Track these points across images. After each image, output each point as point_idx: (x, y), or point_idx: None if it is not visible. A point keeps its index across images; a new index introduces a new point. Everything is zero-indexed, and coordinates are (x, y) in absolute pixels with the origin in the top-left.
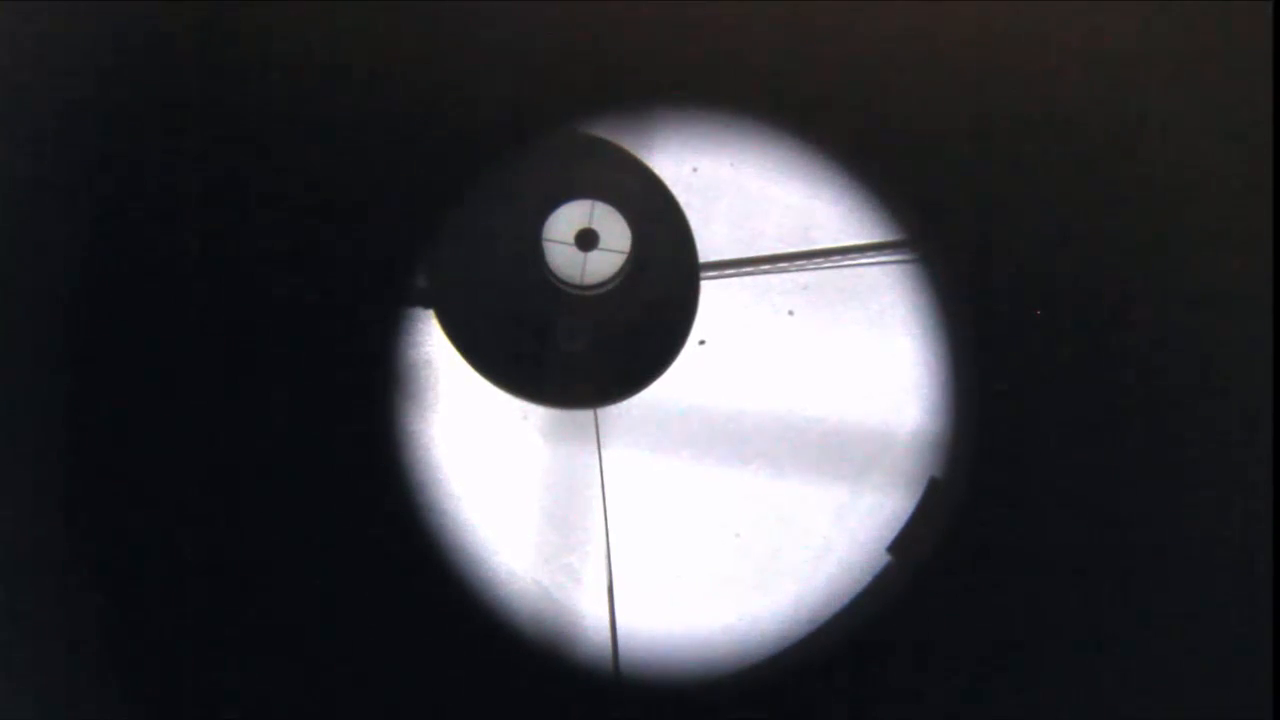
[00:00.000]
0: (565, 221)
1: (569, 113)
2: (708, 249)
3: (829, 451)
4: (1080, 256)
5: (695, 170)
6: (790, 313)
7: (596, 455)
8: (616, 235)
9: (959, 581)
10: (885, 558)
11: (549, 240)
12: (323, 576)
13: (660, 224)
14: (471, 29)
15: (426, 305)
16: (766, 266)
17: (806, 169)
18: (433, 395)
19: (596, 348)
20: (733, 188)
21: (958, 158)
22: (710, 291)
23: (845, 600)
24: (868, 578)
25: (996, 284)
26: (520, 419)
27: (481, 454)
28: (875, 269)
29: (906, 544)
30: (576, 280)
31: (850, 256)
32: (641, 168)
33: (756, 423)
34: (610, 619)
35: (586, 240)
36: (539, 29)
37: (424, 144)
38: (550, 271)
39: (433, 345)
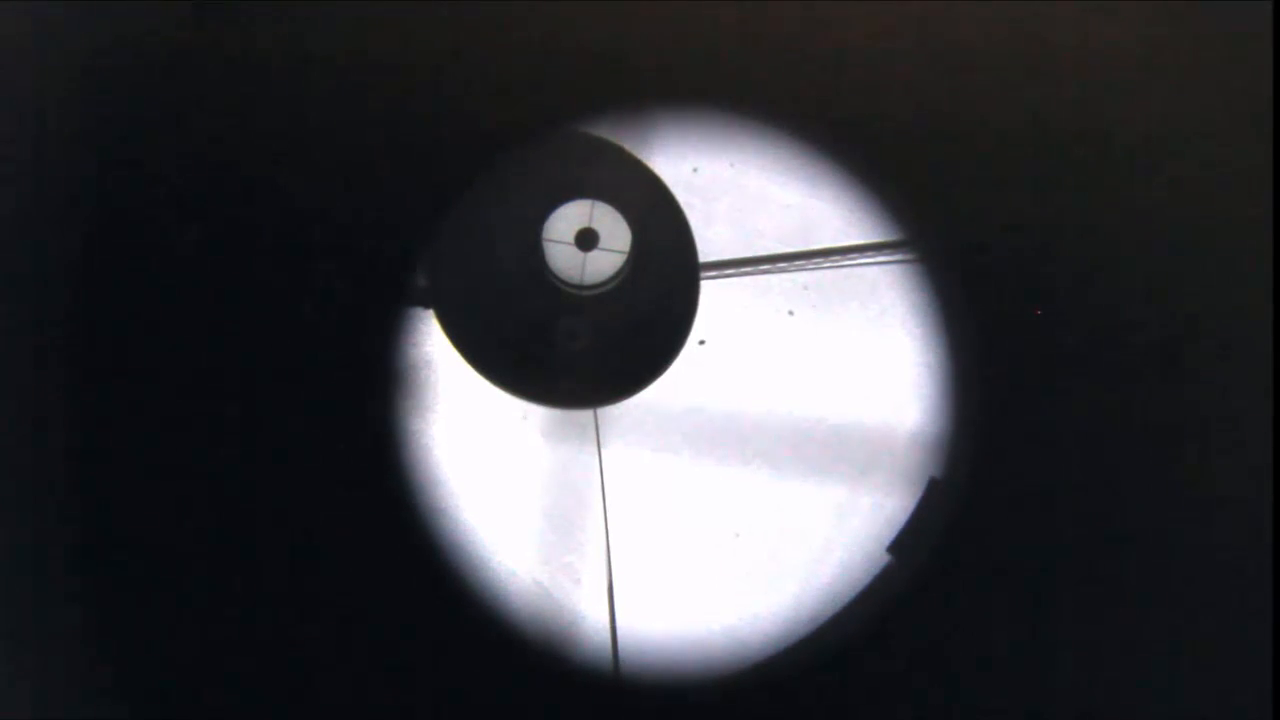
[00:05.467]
0: (565, 221)
1: (569, 113)
2: (708, 249)
3: (829, 451)
4: (1080, 256)
5: (695, 170)
6: (790, 313)
7: (596, 455)
8: (616, 235)
9: (959, 581)
10: (885, 558)
11: (549, 240)
12: (322, 576)
13: (660, 224)
14: (471, 29)
15: (426, 305)
16: (766, 266)
17: (806, 169)
18: (433, 395)
19: (596, 348)
20: (733, 188)
21: (958, 158)
22: (710, 291)
23: (845, 600)
24: (868, 578)
25: (996, 284)
26: (520, 419)
27: (481, 454)
28: (875, 269)
29: (906, 544)
30: (576, 280)
31: (850, 256)
32: (641, 168)
33: (756, 423)
34: (610, 619)
35: (586, 240)
36: (539, 29)
37: (424, 144)
38: (550, 271)
39: (433, 345)
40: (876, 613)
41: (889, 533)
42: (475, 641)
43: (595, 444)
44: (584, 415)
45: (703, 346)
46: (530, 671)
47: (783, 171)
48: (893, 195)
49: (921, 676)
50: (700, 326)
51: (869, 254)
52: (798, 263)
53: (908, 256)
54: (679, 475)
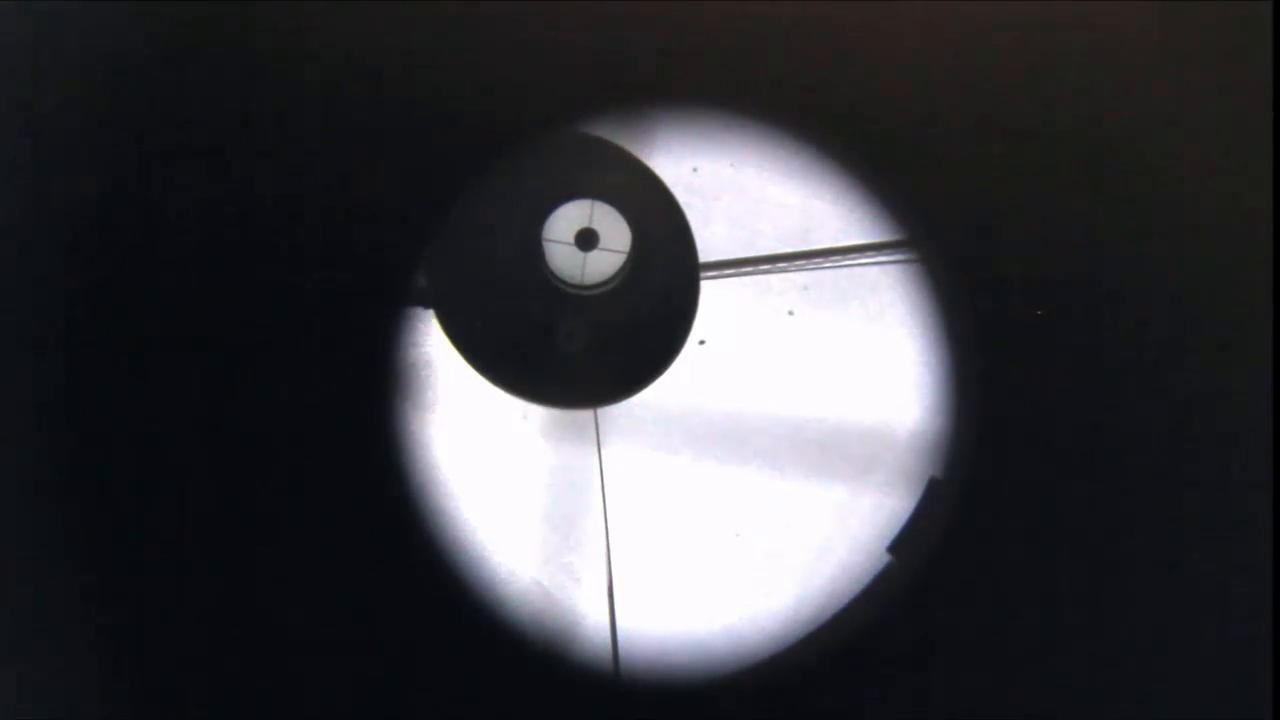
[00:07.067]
0: (565, 221)
1: (569, 113)
2: (708, 249)
3: (829, 451)
4: (1080, 256)
5: (695, 170)
6: (790, 313)
7: (596, 455)
8: (616, 235)
9: (959, 581)
10: (885, 558)
11: (549, 240)
12: (322, 576)
13: (660, 224)
14: (472, 29)
15: (426, 305)
16: (766, 266)
17: (806, 169)
18: (433, 395)
19: (596, 348)
20: (733, 188)
21: (958, 158)
22: (710, 291)
23: (845, 600)
24: (868, 578)
25: (996, 284)
26: (520, 419)
27: (481, 454)
28: (875, 269)
29: (906, 544)
30: (576, 280)
31: (850, 256)
32: (641, 168)
33: (756, 423)
34: (610, 619)
35: (586, 240)
36: (539, 29)
37: (424, 144)
38: (550, 271)
39: (433, 345)
40: (876, 613)
41: (889, 533)
42: (475, 641)
43: (595, 444)
44: (584, 415)
45: (703, 346)
46: (530, 671)
47: (783, 171)
48: (893, 195)
49: (922, 676)
50: (700, 326)
51: (869, 254)
52: (798, 263)
53: (908, 256)
54: (679, 475)
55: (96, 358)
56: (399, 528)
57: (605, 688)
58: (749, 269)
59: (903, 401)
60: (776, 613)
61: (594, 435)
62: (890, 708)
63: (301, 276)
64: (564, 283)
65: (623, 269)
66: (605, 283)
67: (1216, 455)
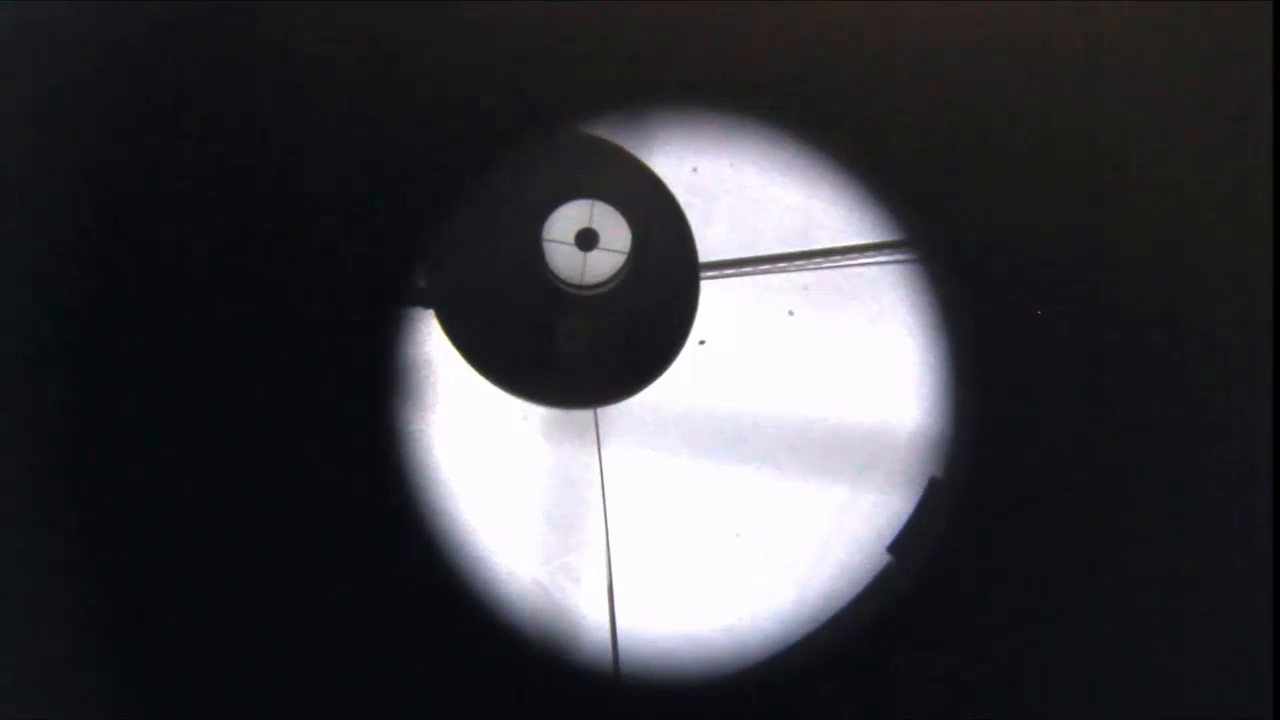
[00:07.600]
0: (565, 221)
1: (569, 113)
2: (708, 249)
3: (829, 451)
4: (1080, 256)
5: (695, 170)
6: (790, 313)
7: (596, 455)
8: (616, 235)
9: (959, 581)
10: (885, 558)
11: (549, 240)
12: (322, 576)
13: (660, 224)
14: (472, 29)
15: (426, 305)
16: (766, 266)
17: (806, 169)
18: (433, 395)
19: (596, 348)
20: (733, 188)
21: (958, 158)
22: (710, 291)
23: (846, 600)
24: (868, 578)
25: (996, 284)
26: (520, 419)
27: (481, 454)
28: (875, 269)
29: (906, 544)
30: (576, 280)
31: (850, 256)
32: (641, 168)
33: (756, 423)
34: (610, 619)
35: (586, 240)
36: (539, 29)
37: (424, 144)
38: (550, 271)
39: (433, 345)
40: (876, 613)
41: (889, 533)
42: (475, 641)
43: (595, 444)
44: (584, 415)
45: (703, 346)
46: (530, 671)
47: (783, 171)
48: (893, 195)
49: (922, 676)
50: (700, 326)
51: (869, 254)
52: (798, 263)
53: (908, 256)
54: (679, 475)
55: (95, 357)
56: (399, 528)
57: (605, 688)
58: (749, 269)
59: (903, 401)
60: (776, 613)
61: (594, 435)
62: (890, 708)
63: (302, 276)
64: (564, 283)
65: (623, 269)
66: (605, 283)
67: (1216, 455)
